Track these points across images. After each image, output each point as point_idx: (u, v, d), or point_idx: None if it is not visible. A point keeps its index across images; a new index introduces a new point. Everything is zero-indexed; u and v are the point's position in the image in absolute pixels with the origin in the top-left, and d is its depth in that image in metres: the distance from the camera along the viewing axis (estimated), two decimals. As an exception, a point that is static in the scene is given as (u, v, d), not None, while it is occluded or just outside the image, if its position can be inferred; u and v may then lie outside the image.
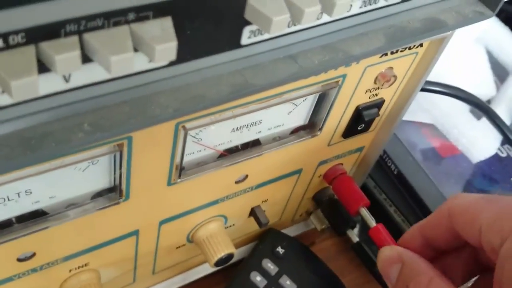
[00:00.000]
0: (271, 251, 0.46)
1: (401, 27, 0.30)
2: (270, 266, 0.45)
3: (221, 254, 0.40)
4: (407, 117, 0.54)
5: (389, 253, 0.32)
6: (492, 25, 0.60)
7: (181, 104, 0.24)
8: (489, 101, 0.56)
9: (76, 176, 0.30)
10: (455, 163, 0.52)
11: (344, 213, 0.46)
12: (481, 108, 0.50)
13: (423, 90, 0.49)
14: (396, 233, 0.38)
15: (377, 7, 0.29)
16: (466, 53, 0.57)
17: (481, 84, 0.56)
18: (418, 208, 0.49)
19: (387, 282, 0.32)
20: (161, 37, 0.21)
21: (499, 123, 0.50)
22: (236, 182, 0.39)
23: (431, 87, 0.49)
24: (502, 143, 0.53)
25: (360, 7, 0.28)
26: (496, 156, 0.53)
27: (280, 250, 0.46)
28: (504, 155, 0.53)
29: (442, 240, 0.31)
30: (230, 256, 0.41)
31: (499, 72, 0.58)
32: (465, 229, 0.30)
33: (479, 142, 0.50)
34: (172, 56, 0.22)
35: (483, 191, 0.51)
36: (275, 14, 0.23)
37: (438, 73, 0.53)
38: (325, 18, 0.28)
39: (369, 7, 0.28)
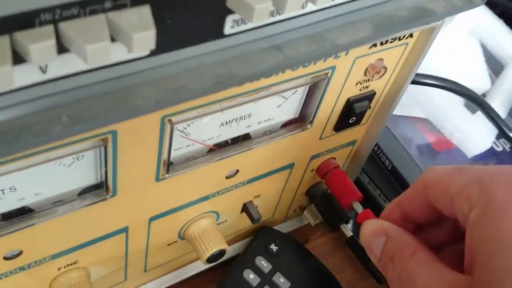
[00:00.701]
0: (264, 248, 0.46)
1: (389, 16, 0.29)
2: (263, 263, 0.45)
3: (213, 250, 0.40)
4: (402, 112, 0.54)
5: (372, 227, 0.32)
6: (486, 18, 0.60)
7: (163, 95, 0.24)
8: (484, 95, 0.56)
9: (61, 172, 0.30)
10: (450, 158, 0.52)
11: (338, 207, 0.45)
12: (476, 101, 0.49)
13: (417, 83, 0.48)
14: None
15: (364, -4, 0.28)
16: (460, 47, 0.57)
17: (476, 78, 0.56)
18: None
19: (370, 256, 0.32)
20: (139, 26, 0.21)
21: (494, 116, 0.49)
22: (227, 177, 0.39)
23: (425, 80, 0.48)
24: (498, 137, 0.52)
25: (346, -4, 0.28)
26: (491, 150, 0.52)
27: (273, 247, 0.46)
28: (499, 149, 0.52)
29: (420, 214, 0.32)
30: (222, 252, 0.41)
31: (494, 65, 0.58)
32: (439, 200, 0.30)
33: (474, 136, 0.50)
34: (151, 45, 0.21)
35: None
36: (257, 1, 0.23)
37: (433, 67, 0.52)
38: (311, 7, 0.27)
39: (355, -4, 0.28)
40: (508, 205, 0.26)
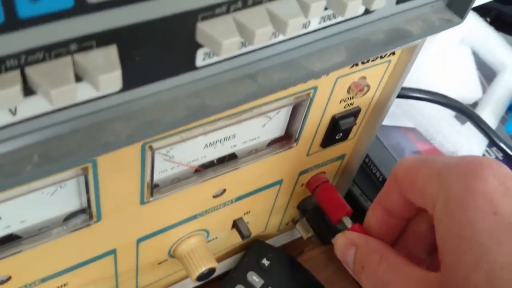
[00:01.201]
0: (256, 263, 0.46)
1: (364, 39, 0.29)
2: (255, 278, 0.45)
3: (202, 268, 0.40)
4: (393, 122, 0.54)
5: (342, 240, 0.33)
6: (477, 26, 0.59)
7: (134, 129, 0.24)
8: (476, 103, 0.55)
9: (45, 200, 0.30)
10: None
11: (329, 221, 0.45)
12: (465, 112, 0.49)
13: (404, 97, 0.48)
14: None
15: (338, 22, 0.28)
16: (452, 55, 0.57)
17: (468, 86, 0.55)
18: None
19: (347, 269, 0.33)
20: (104, 67, 0.21)
21: (483, 127, 0.49)
22: (214, 197, 0.39)
23: (412, 94, 0.48)
24: (490, 146, 0.52)
25: (319, 23, 0.28)
26: (484, 158, 0.52)
27: (265, 262, 0.46)
28: (492, 157, 0.52)
29: (400, 208, 0.32)
30: (211, 270, 0.41)
31: (486, 72, 0.58)
32: (410, 193, 0.30)
33: (464, 147, 0.50)
34: (118, 85, 0.21)
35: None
36: (225, 37, 0.23)
37: (424, 77, 0.52)
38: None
39: (328, 22, 0.28)
40: (468, 198, 0.26)
